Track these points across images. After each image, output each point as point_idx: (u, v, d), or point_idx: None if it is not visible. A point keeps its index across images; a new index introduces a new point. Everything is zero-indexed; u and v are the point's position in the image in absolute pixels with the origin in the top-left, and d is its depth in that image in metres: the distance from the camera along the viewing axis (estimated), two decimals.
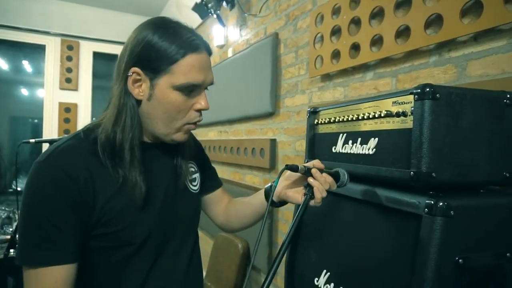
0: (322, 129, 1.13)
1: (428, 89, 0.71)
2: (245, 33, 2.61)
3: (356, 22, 1.51)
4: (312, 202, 0.82)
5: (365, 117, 0.89)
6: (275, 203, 0.95)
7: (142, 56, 0.77)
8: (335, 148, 1.04)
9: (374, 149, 0.87)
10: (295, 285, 1.18)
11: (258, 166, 2.29)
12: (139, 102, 0.81)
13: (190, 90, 0.79)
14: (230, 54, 2.83)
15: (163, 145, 0.89)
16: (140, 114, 0.82)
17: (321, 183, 0.81)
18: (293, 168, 0.82)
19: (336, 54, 1.62)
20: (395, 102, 0.81)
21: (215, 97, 2.96)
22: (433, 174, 0.70)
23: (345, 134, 1.00)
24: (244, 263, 2.40)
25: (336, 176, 0.85)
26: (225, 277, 2.45)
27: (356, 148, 0.94)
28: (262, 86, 2.22)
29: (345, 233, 0.94)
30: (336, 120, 1.03)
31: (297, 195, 0.88)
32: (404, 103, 0.78)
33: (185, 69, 0.76)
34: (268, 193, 0.98)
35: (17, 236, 0.77)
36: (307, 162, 1.20)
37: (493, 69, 1.02)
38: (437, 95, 0.70)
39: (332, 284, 0.96)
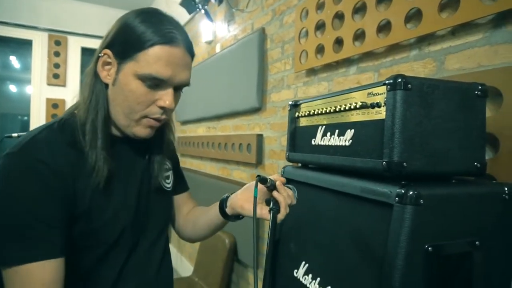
0: (303, 122, 1.14)
1: (399, 80, 0.71)
2: (233, 29, 2.60)
3: (339, 16, 1.52)
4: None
5: (342, 109, 0.90)
6: (229, 217, 0.92)
7: (116, 39, 0.76)
8: (314, 141, 1.05)
9: (350, 141, 0.87)
10: (276, 278, 1.18)
11: (245, 162, 2.29)
12: (107, 86, 0.79)
13: (155, 83, 0.75)
14: (218, 49, 2.82)
15: (135, 141, 0.84)
16: (108, 99, 0.80)
17: (285, 198, 0.82)
18: (263, 180, 0.81)
19: (320, 49, 1.62)
20: (370, 93, 0.82)
21: (203, 93, 2.96)
22: (404, 163, 0.71)
23: (323, 127, 1.00)
24: (232, 258, 2.40)
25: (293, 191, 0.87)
26: (213, 272, 2.45)
27: (334, 140, 0.94)
28: (249, 82, 2.22)
29: (324, 224, 0.95)
30: (316, 113, 1.04)
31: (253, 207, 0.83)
32: (378, 94, 0.79)
33: (151, 59, 0.72)
34: (221, 204, 0.94)
35: None
36: (287, 155, 1.21)
37: (469, 63, 1.04)
38: (409, 85, 0.71)
39: (310, 275, 0.97)
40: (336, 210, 0.91)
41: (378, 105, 0.78)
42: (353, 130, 0.87)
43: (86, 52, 4.43)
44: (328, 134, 0.98)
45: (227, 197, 0.93)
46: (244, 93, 2.30)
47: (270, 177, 0.84)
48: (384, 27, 1.30)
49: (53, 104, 4.20)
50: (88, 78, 0.79)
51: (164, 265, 0.93)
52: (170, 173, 1.00)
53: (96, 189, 0.76)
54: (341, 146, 0.91)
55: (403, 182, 0.73)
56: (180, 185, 1.07)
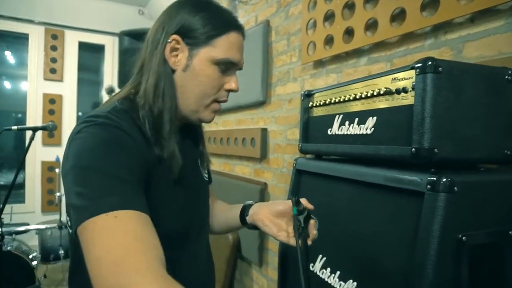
0: (317, 112, 1.11)
1: (430, 63, 0.68)
2: None
3: (350, 6, 1.49)
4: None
5: (363, 96, 0.87)
6: (247, 224, 0.92)
7: (185, 24, 0.74)
8: (330, 131, 1.02)
9: (373, 129, 0.84)
10: (289, 274, 1.16)
11: (249, 156, 2.26)
12: (173, 72, 0.77)
13: (227, 68, 0.78)
14: None
15: (186, 129, 0.85)
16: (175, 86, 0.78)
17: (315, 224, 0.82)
18: (297, 202, 0.80)
19: (329, 40, 1.59)
20: (394, 79, 0.79)
21: None
22: (435, 150, 0.68)
23: (341, 116, 0.98)
24: (235, 255, 2.37)
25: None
26: (216, 269, 2.42)
27: (353, 129, 0.91)
28: (253, 75, 2.18)
29: (342, 216, 0.92)
30: (332, 102, 1.01)
31: (273, 226, 0.83)
32: (404, 79, 0.76)
33: (227, 44, 0.75)
34: (243, 211, 0.93)
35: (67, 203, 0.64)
36: (300, 146, 1.18)
37: (489, 51, 1.01)
38: (439, 68, 0.68)
39: (329, 269, 0.94)
40: (355, 201, 0.89)
41: (404, 90, 0.75)
42: (375, 118, 0.84)
43: (84, 47, 4.36)
44: (347, 123, 0.95)
45: (251, 205, 0.93)
46: (248, 86, 2.26)
47: (302, 200, 0.82)
48: (398, 16, 1.27)
49: (50, 100, 4.13)
50: (156, 65, 0.75)
51: (210, 255, 0.95)
52: (206, 163, 0.99)
53: (168, 181, 0.74)
54: (362, 134, 0.88)
55: (432, 170, 0.70)
56: (209, 176, 1.06)
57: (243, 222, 0.92)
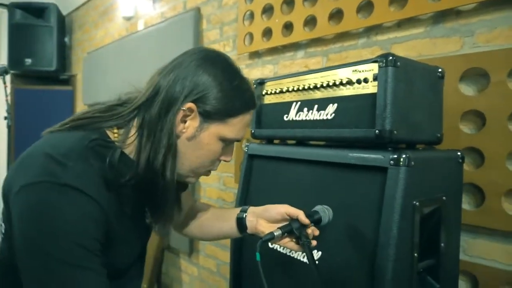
0: (270, 100, 1.17)
1: (391, 58, 0.80)
2: (159, 6, 2.46)
3: (288, 2, 1.59)
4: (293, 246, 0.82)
5: (324, 85, 0.96)
6: (247, 234, 0.92)
7: (205, 94, 0.70)
8: (287, 117, 1.09)
9: (333, 114, 0.94)
10: (243, 260, 1.19)
11: None
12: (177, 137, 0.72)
13: (230, 143, 0.78)
14: (141, 27, 2.63)
15: None
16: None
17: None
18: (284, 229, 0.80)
19: (267, 32, 1.67)
20: (355, 70, 0.90)
21: (120, 75, 2.73)
22: (394, 132, 0.80)
23: (298, 103, 1.06)
24: (162, 248, 2.31)
25: (318, 221, 0.83)
26: None
27: (313, 115, 1.01)
28: None
29: (304, 196, 1.00)
30: (289, 90, 1.08)
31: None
32: (365, 71, 0.87)
33: (240, 125, 0.75)
34: (240, 223, 0.91)
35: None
36: (253, 132, 1.23)
37: (412, 52, 1.21)
38: (398, 63, 0.81)
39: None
40: (317, 181, 0.98)
41: (365, 80, 0.87)
42: (336, 105, 0.94)
43: None
44: (305, 109, 1.03)
45: (244, 217, 0.90)
46: None
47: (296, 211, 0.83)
48: (335, 15, 1.41)
49: None
50: (167, 131, 0.69)
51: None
52: None
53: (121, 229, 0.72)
54: (322, 120, 0.97)
55: (389, 149, 0.83)
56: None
57: (242, 232, 0.91)
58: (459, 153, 0.92)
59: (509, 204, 0.99)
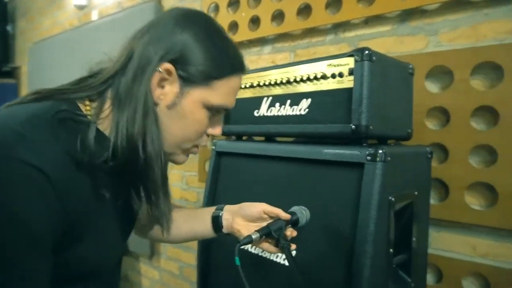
0: (240, 94, 1.13)
1: (367, 52, 0.80)
2: None
3: None
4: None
5: (297, 80, 0.94)
6: (221, 233, 0.86)
7: (185, 53, 0.61)
8: (258, 112, 1.06)
9: (307, 109, 0.92)
10: (211, 260, 1.15)
11: None
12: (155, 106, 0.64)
13: (218, 113, 0.69)
14: (95, 17, 2.47)
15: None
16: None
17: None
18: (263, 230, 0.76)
19: (233, 26, 1.62)
20: (330, 65, 0.88)
21: (72, 68, 2.55)
22: (370, 127, 0.80)
23: (270, 98, 1.03)
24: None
25: (296, 222, 0.81)
26: None
27: (285, 110, 0.98)
28: None
29: (276, 193, 0.97)
30: (260, 85, 1.05)
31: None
32: (340, 65, 0.86)
33: (227, 90, 0.66)
34: (215, 222, 0.85)
35: None
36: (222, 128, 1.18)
37: (380, 50, 1.21)
38: (374, 58, 0.80)
39: None
40: (290, 178, 0.95)
41: (340, 75, 0.85)
42: (309, 99, 0.92)
43: None
44: (277, 104, 1.00)
45: (220, 215, 0.84)
46: None
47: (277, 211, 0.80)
48: (304, 10, 1.39)
49: None
50: (142, 96, 0.60)
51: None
52: None
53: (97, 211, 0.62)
54: (295, 115, 0.95)
55: (364, 144, 0.82)
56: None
57: (217, 231, 0.85)
58: (428, 149, 0.94)
59: (471, 198, 1.03)
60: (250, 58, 1.60)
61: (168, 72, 0.61)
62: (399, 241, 0.85)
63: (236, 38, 1.59)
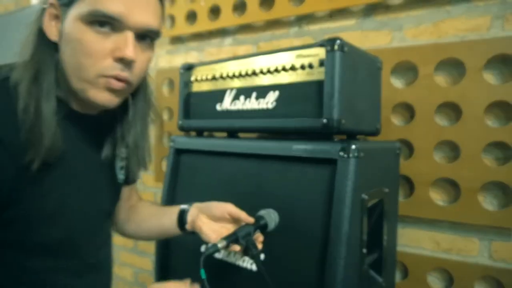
0: (200, 87, 1.05)
1: (339, 41, 0.75)
2: None
3: None
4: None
5: (264, 71, 0.88)
6: (187, 231, 0.82)
7: None
8: (220, 106, 0.98)
9: (275, 103, 0.86)
10: (171, 261, 1.06)
11: None
12: (56, 47, 0.62)
13: (106, 25, 0.58)
14: (34, 1, 2.24)
15: (97, 118, 0.70)
16: (59, 62, 0.62)
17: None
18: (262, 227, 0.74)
19: (191, 15, 1.52)
20: (299, 55, 0.83)
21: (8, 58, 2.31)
22: (342, 121, 0.75)
23: (234, 90, 0.96)
24: None
25: (264, 227, 0.77)
26: None
27: (251, 104, 0.91)
28: None
29: (241, 193, 0.90)
30: (223, 76, 0.97)
31: (212, 234, 0.76)
32: (310, 56, 0.81)
33: None
34: (181, 217, 0.82)
35: None
36: (180, 123, 1.09)
37: None
38: (345, 48, 0.76)
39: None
40: (256, 177, 0.89)
41: (310, 66, 0.80)
42: (277, 92, 0.86)
43: None
44: (242, 97, 0.94)
45: (187, 210, 0.81)
46: None
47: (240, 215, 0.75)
48: (266, 1, 1.33)
49: None
50: (29, 38, 0.61)
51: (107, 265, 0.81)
52: (125, 162, 0.78)
53: (33, 173, 0.58)
54: (262, 109, 0.89)
55: (335, 140, 0.78)
56: (129, 176, 0.83)
57: (182, 229, 0.81)
58: (397, 145, 0.92)
59: (435, 194, 1.03)
60: (210, 50, 1.52)
61: (54, 6, 0.60)
62: (370, 240, 0.82)
63: (195, 28, 1.50)
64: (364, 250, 0.76)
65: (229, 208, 0.76)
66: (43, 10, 0.61)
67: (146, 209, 0.92)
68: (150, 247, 1.74)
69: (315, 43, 0.79)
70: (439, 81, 1.03)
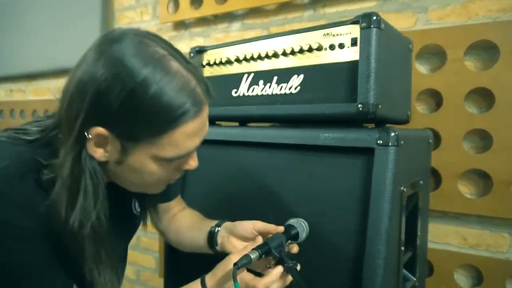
0: (213, 72, 0.97)
1: (375, 17, 0.68)
2: None
3: None
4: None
5: (286, 52, 0.80)
6: (219, 252, 0.76)
7: (118, 114, 0.49)
8: (236, 92, 0.91)
9: (299, 87, 0.79)
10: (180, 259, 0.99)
11: None
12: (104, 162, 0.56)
13: (177, 160, 0.57)
14: None
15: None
16: (106, 170, 0.57)
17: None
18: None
19: None
20: (327, 34, 0.75)
21: (3, 42, 2.20)
22: (380, 106, 0.68)
23: (252, 74, 0.88)
24: None
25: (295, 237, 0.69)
26: None
27: (271, 89, 0.83)
28: (85, 32, 1.77)
29: (268, 185, 0.82)
30: (240, 59, 0.89)
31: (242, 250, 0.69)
32: (341, 34, 0.73)
33: (178, 140, 0.52)
34: (211, 238, 0.76)
35: None
36: None
37: None
38: (382, 25, 0.69)
39: None
40: (278, 169, 0.81)
41: (341, 46, 0.73)
42: (301, 75, 0.78)
43: None
44: (261, 82, 0.86)
45: (216, 232, 0.76)
46: (76, 45, 1.82)
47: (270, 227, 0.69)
48: None
49: None
50: (68, 167, 0.53)
51: None
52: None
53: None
54: (284, 94, 0.81)
55: (369, 127, 0.71)
56: (168, 192, 0.78)
57: (212, 249, 0.76)
58: (429, 133, 0.85)
59: (464, 187, 0.97)
60: (216, 36, 1.43)
61: (102, 136, 0.52)
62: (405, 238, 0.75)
63: (200, 12, 1.41)
64: (402, 249, 0.69)
65: (256, 225, 0.69)
66: (84, 137, 0.52)
67: (184, 220, 0.86)
68: (153, 245, 1.66)
69: (347, 20, 0.72)
70: (469, 66, 0.96)
